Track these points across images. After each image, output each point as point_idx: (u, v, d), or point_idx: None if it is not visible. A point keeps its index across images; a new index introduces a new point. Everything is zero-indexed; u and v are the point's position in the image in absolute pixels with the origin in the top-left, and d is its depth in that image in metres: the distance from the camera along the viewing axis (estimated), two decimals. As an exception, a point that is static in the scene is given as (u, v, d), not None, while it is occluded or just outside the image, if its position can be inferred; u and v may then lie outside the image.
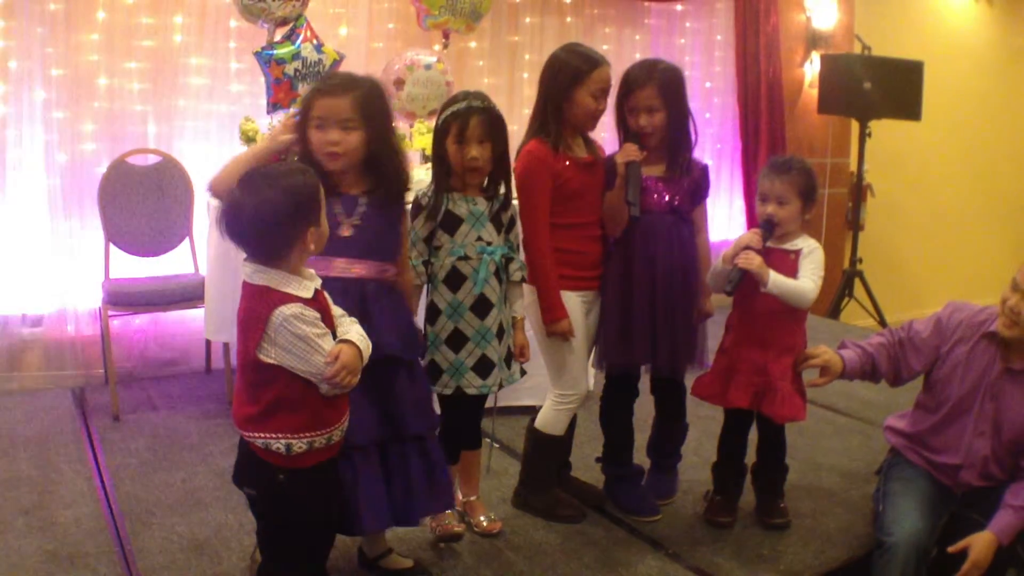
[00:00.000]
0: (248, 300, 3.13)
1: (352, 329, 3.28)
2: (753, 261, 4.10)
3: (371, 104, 3.61)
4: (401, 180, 3.74)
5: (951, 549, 3.83)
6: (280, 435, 3.17)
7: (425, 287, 4.11)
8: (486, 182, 4.08)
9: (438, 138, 4.04)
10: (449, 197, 4.03)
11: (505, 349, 4.14)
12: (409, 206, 3.99)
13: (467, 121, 3.94)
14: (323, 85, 3.64)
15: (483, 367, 4.07)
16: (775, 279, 4.11)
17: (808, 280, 4.19)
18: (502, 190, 4.13)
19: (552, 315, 4.25)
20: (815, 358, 4.24)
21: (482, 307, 4.04)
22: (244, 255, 3.17)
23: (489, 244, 4.05)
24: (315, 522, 3.40)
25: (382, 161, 3.62)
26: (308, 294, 3.16)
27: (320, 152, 3.58)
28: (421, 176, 5.72)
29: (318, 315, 3.15)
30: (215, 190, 3.62)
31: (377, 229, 3.66)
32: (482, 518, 4.41)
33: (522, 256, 4.23)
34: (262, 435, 3.16)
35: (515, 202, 4.22)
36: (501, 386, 4.16)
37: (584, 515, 4.58)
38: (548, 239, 4.21)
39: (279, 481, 3.22)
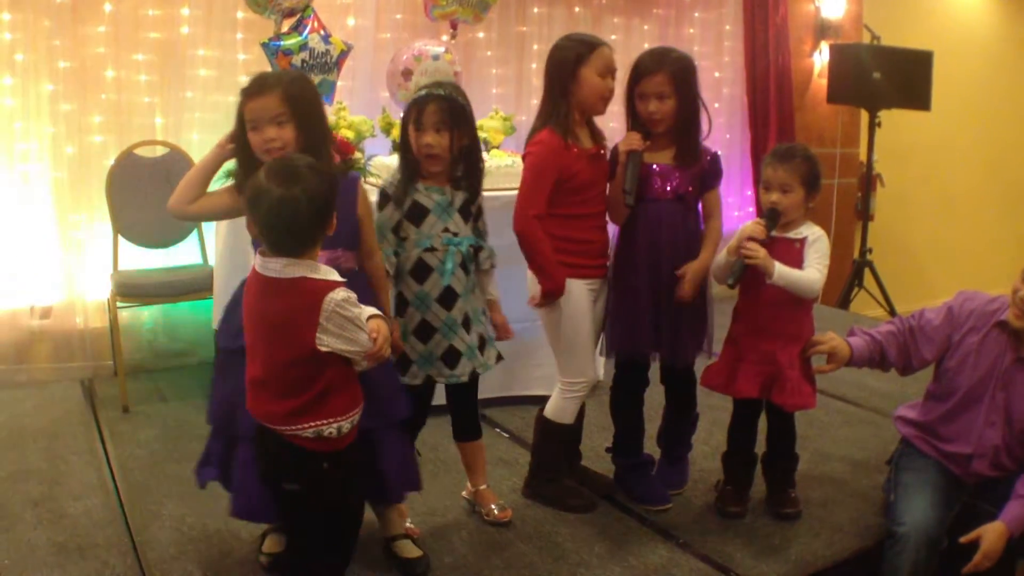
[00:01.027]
0: (286, 296, 3.10)
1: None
2: (758, 254, 4.09)
3: (297, 96, 3.63)
4: (333, 165, 3.74)
5: (963, 539, 3.81)
6: (332, 419, 3.17)
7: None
8: (459, 173, 4.08)
9: (403, 125, 4.06)
10: (415, 187, 4.03)
11: (475, 337, 4.14)
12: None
13: (424, 107, 3.96)
14: (248, 88, 3.66)
15: (451, 357, 4.08)
16: (780, 271, 4.10)
17: (814, 270, 4.18)
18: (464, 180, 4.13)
19: (550, 283, 4.24)
20: (822, 344, 4.24)
21: (448, 298, 4.05)
22: (257, 254, 3.17)
23: (456, 235, 4.05)
24: (357, 503, 3.45)
25: (316, 150, 3.59)
26: (339, 277, 3.17)
27: (261, 151, 3.60)
28: (393, 164, 5.74)
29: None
30: (177, 208, 3.76)
31: None
32: (493, 507, 4.41)
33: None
34: (313, 424, 3.15)
35: (487, 193, 4.25)
36: (476, 374, 4.17)
37: (595, 505, 4.57)
38: (537, 224, 4.19)
39: (324, 469, 3.22)
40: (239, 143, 3.70)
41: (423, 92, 4.01)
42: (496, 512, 4.39)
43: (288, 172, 3.10)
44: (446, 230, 4.03)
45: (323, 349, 3.08)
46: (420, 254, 4.02)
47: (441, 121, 3.93)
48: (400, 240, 4.06)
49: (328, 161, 3.66)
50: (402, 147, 4.10)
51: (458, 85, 4.10)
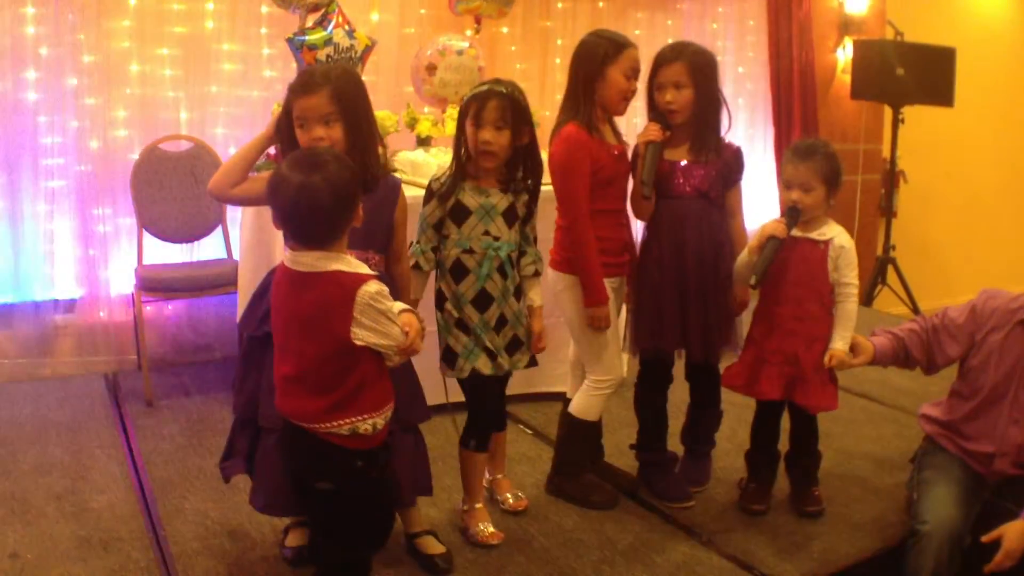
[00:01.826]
0: (319, 289, 3.10)
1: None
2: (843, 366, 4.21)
3: (346, 94, 3.63)
4: (380, 166, 3.74)
5: (985, 538, 3.80)
6: (367, 415, 3.17)
7: (434, 272, 4.11)
8: (505, 173, 4.04)
9: (459, 120, 4.02)
10: (462, 186, 4.01)
11: (505, 340, 4.10)
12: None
13: (485, 103, 3.92)
14: (298, 85, 3.66)
15: (488, 353, 4.07)
16: (844, 339, 4.20)
17: (852, 299, 4.24)
18: (523, 182, 4.09)
19: (596, 298, 4.22)
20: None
21: (483, 301, 4.02)
22: (287, 249, 3.17)
23: (496, 239, 4.01)
24: (391, 500, 3.48)
25: (363, 149, 3.61)
26: (370, 270, 3.18)
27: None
28: (417, 159, 5.73)
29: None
30: (218, 191, 3.77)
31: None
32: (508, 495, 4.46)
33: (552, 247, 4.22)
34: (349, 420, 3.15)
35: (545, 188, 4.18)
36: (508, 373, 4.16)
37: (617, 501, 4.58)
38: (589, 224, 4.18)
39: (358, 467, 3.22)
40: (284, 133, 3.70)
41: (484, 88, 3.98)
42: (511, 500, 4.42)
43: (309, 160, 3.11)
44: (486, 233, 3.99)
45: (357, 343, 3.08)
46: (459, 255, 4.00)
47: (501, 118, 3.89)
48: (443, 237, 4.04)
49: (376, 158, 3.67)
50: (456, 143, 4.07)
51: (518, 85, 4.05)
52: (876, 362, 4.26)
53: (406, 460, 3.84)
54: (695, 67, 4.27)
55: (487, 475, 4.45)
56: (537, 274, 4.18)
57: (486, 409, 4.20)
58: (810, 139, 4.44)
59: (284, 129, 3.70)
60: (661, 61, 4.32)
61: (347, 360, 3.11)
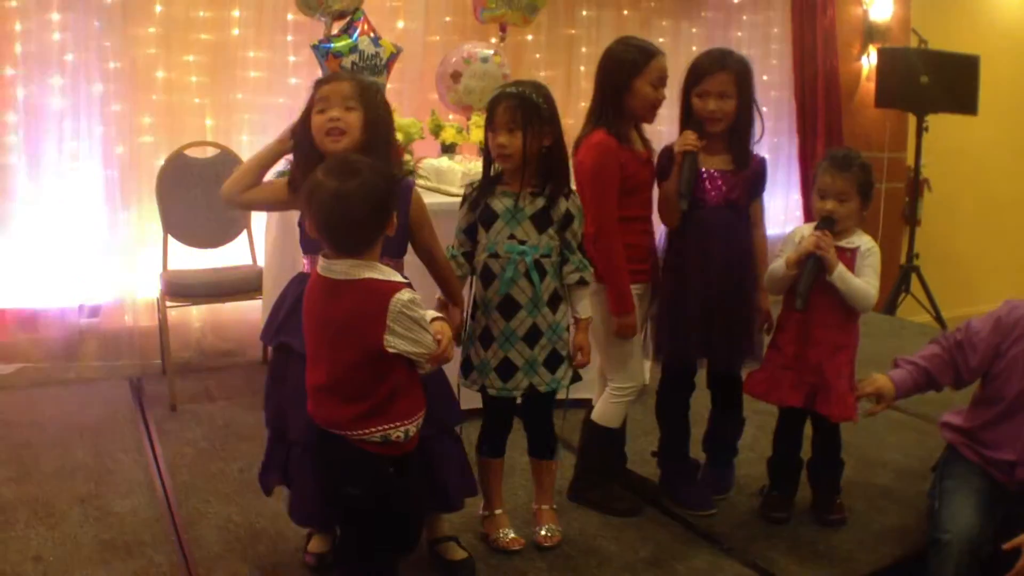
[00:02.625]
0: (352, 297, 3.12)
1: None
2: (829, 251, 4.11)
3: (370, 91, 3.67)
4: (393, 169, 3.71)
5: (1006, 546, 3.80)
6: (399, 423, 3.20)
7: (470, 279, 4.10)
8: (537, 177, 3.99)
9: (485, 127, 4.02)
10: (493, 191, 4.00)
11: (543, 353, 4.03)
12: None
13: (496, 107, 3.92)
14: (325, 76, 3.74)
15: (505, 369, 4.02)
16: (841, 271, 4.11)
17: (871, 285, 4.18)
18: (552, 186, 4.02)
19: (624, 307, 4.21)
20: (867, 387, 4.23)
21: (508, 308, 3.98)
22: (311, 257, 3.19)
23: (523, 243, 3.96)
24: (421, 506, 3.52)
25: (378, 152, 3.58)
26: (402, 278, 3.21)
27: (321, 133, 3.62)
28: (442, 166, 5.75)
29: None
30: (229, 196, 3.80)
31: None
32: (543, 529, 4.28)
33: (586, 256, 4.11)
34: (382, 427, 3.18)
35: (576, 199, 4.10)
36: (538, 392, 4.06)
37: (640, 508, 4.58)
38: (619, 231, 4.19)
39: (389, 474, 3.24)
40: (300, 139, 3.71)
41: (496, 91, 3.99)
42: (542, 533, 4.26)
43: (345, 168, 3.12)
44: (512, 237, 3.95)
45: (390, 350, 3.10)
46: (486, 259, 3.99)
47: (512, 120, 3.86)
48: (476, 243, 4.04)
49: (388, 163, 3.63)
50: (485, 150, 4.06)
51: (541, 85, 4.01)
52: (899, 397, 4.24)
53: (450, 463, 3.85)
54: (741, 77, 4.29)
55: (533, 505, 4.38)
56: (583, 282, 4.05)
57: (491, 423, 4.20)
58: (845, 149, 4.43)
59: (300, 136, 3.72)
60: (705, 70, 4.31)
61: (380, 368, 3.13)
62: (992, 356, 4.10)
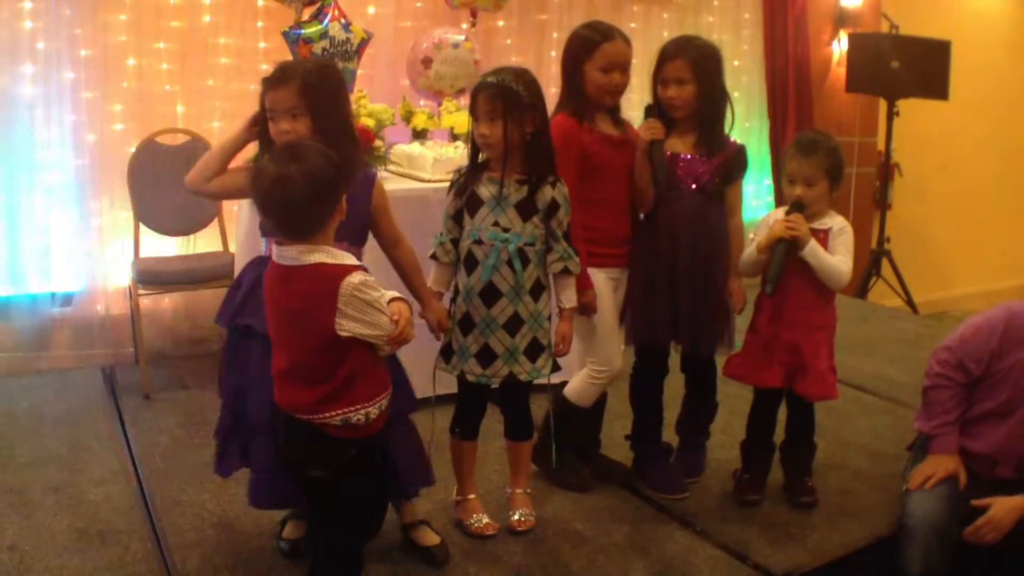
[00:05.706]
0: (303, 283, 3.13)
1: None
2: (800, 228, 4.14)
3: (314, 88, 3.62)
4: (350, 161, 3.58)
5: (976, 502, 3.84)
6: (359, 406, 3.21)
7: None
8: (523, 164, 3.97)
9: (469, 114, 4.02)
10: (479, 177, 3.99)
11: (524, 342, 4.04)
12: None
13: (476, 96, 3.93)
14: (268, 78, 3.68)
15: (485, 356, 4.03)
16: (813, 247, 4.13)
17: (843, 263, 4.19)
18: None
19: (579, 283, 4.16)
20: (941, 475, 4.09)
21: (490, 295, 3.98)
22: (275, 244, 3.18)
23: (507, 231, 3.96)
24: (385, 489, 3.51)
25: (334, 144, 3.49)
26: (356, 261, 3.20)
27: (278, 141, 3.60)
28: (413, 152, 5.75)
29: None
30: (194, 184, 3.82)
31: None
32: (517, 513, 4.31)
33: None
34: (341, 411, 3.18)
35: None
36: (517, 380, 4.08)
37: (589, 487, 4.63)
38: (576, 211, 4.16)
39: (352, 456, 3.24)
40: (262, 128, 3.72)
41: (479, 80, 4.00)
42: (516, 518, 4.28)
43: (290, 152, 3.14)
44: (496, 224, 3.95)
45: (343, 334, 3.10)
46: (469, 246, 3.99)
47: (492, 110, 3.86)
48: (462, 229, 4.04)
49: (346, 151, 3.57)
50: (471, 136, 4.06)
51: (524, 71, 3.99)
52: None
53: (401, 451, 3.82)
54: (697, 63, 4.29)
55: (507, 488, 4.41)
56: (567, 271, 4.06)
57: (466, 405, 4.20)
58: (812, 133, 4.44)
59: (261, 124, 3.73)
60: (664, 56, 4.35)
61: (336, 352, 3.14)
62: (993, 358, 4.06)
